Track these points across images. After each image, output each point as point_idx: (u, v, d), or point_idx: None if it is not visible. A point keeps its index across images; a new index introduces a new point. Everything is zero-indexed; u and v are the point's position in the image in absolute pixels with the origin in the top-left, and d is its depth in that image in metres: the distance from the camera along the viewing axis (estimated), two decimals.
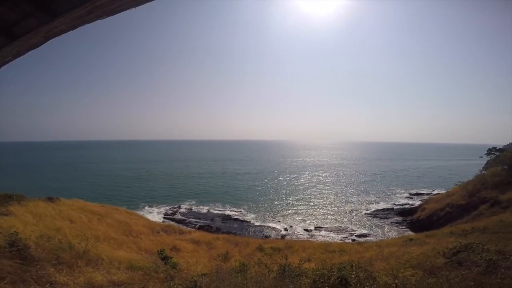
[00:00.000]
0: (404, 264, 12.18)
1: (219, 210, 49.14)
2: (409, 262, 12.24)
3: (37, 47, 4.59)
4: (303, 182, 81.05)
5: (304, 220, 44.91)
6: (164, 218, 43.71)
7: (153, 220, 34.24)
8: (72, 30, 4.23)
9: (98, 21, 4.00)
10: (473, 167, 68.28)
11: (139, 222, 23.46)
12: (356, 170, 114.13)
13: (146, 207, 50.23)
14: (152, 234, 21.14)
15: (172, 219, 43.07)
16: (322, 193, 66.14)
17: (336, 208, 51.97)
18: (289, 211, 49.71)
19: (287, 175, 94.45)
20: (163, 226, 25.70)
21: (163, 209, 49.69)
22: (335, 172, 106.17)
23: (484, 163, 55.04)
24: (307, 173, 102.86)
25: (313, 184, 77.93)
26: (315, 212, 49.27)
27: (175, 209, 49.29)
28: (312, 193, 65.90)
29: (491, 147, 54.22)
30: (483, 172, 46.06)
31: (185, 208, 49.98)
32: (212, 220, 43.85)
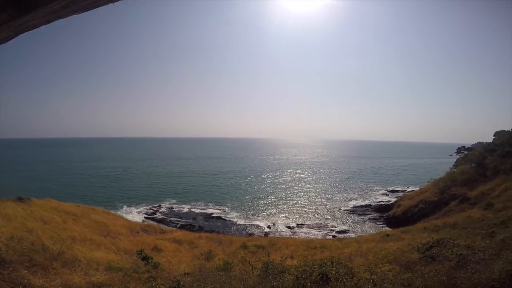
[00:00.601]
0: (382, 259, 12.70)
1: (201, 209, 48.66)
2: (386, 257, 12.78)
3: (7, 41, 4.33)
4: (285, 180, 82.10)
5: (287, 217, 45.62)
6: (144, 218, 42.64)
7: (132, 220, 33.32)
8: (46, 24, 4.06)
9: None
10: (444, 165, 72.22)
11: (117, 222, 22.73)
12: (336, 168, 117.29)
13: (125, 207, 48.72)
14: (131, 235, 20.55)
15: (152, 219, 42.11)
16: (303, 190, 67.41)
17: (317, 205, 53.20)
18: (272, 209, 50.25)
19: (270, 173, 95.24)
20: (142, 226, 25.02)
21: (142, 208, 48.45)
22: (316, 170, 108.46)
23: (454, 161, 58.38)
24: (289, 171, 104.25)
25: (295, 182, 79.20)
26: (297, 210, 50.17)
27: (155, 209, 48.22)
28: (294, 190, 67.00)
29: (460, 146, 57.44)
30: (453, 170, 48.77)
31: (166, 208, 49.04)
32: (194, 219, 43.36)
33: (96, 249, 14.30)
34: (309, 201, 56.98)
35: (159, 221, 41.13)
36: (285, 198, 58.75)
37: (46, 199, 22.52)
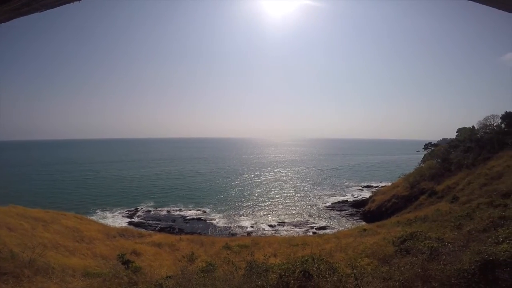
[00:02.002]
0: (361, 254, 13.31)
1: (180, 211, 47.71)
2: (365, 252, 13.42)
3: None
4: (265, 180, 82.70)
5: (269, 216, 46.07)
6: (120, 222, 40.96)
7: (108, 224, 32.19)
8: (6, 22, 3.94)
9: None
10: (414, 161, 76.44)
11: (91, 228, 21.81)
12: (315, 166, 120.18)
13: (98, 212, 46.55)
14: (107, 239, 19.81)
15: (129, 223, 40.66)
16: (284, 189, 68.39)
17: (297, 203, 54.23)
18: (254, 208, 50.46)
19: (251, 173, 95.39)
20: (119, 230, 24.14)
21: (118, 212, 46.57)
22: (295, 168, 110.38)
23: (422, 157, 61.98)
24: (269, 170, 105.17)
25: (276, 181, 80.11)
26: (279, 208, 50.83)
27: (131, 212, 46.54)
28: (275, 189, 67.75)
29: (427, 143, 61.00)
30: (421, 165, 51.70)
31: (143, 211, 47.50)
32: (173, 221, 42.42)
33: (71, 255, 13.76)
34: (290, 199, 57.96)
35: (137, 224, 39.82)
36: (267, 197, 59.26)
37: (11, 205, 21.11)
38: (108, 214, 45.58)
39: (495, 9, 4.71)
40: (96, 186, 70.31)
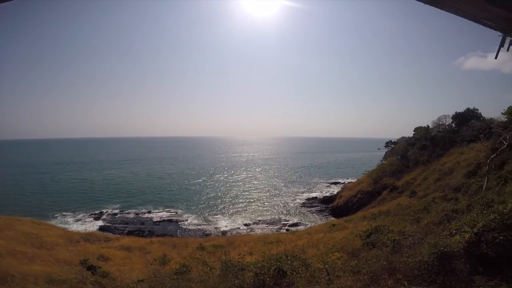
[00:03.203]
0: (331, 248, 14.03)
1: (150, 213, 46.00)
2: (335, 246, 14.17)
3: None
4: (238, 179, 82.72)
5: (243, 215, 46.27)
6: (83, 226, 38.49)
7: (70, 229, 30.10)
8: None
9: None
10: (377, 158, 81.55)
11: (51, 233, 20.34)
12: (286, 164, 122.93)
13: (58, 217, 43.27)
14: (70, 244, 18.61)
15: (94, 227, 38.36)
16: (257, 187, 69.09)
17: (270, 201, 55.13)
18: (228, 208, 50.29)
19: (223, 172, 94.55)
20: (83, 235, 22.80)
21: (80, 216, 43.81)
22: (267, 167, 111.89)
23: (384, 154, 66.41)
24: (242, 169, 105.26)
25: (248, 180, 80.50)
26: (252, 207, 51.25)
27: (95, 216, 43.99)
28: (248, 188, 68.13)
29: (388, 141, 65.43)
30: (383, 162, 55.38)
31: (108, 214, 45.09)
32: (142, 224, 40.81)
33: (31, 262, 12.82)
34: (263, 197, 58.70)
35: (102, 228, 37.76)
36: (240, 196, 59.37)
37: None
38: (70, 219, 42.55)
39: (453, 15, 5.22)
40: (54, 189, 64.64)
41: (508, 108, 25.20)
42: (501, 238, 5.42)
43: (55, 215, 43.77)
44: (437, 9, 5.26)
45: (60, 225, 33.10)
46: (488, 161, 20.40)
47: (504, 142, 21.34)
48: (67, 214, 44.92)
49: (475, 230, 6.07)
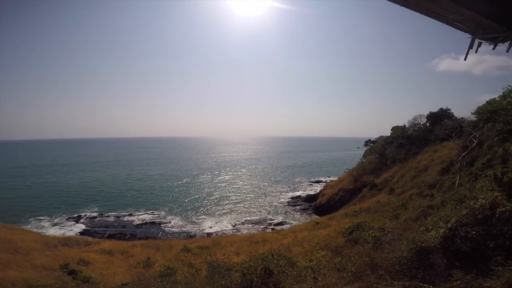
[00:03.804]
0: (315, 246, 14.38)
1: (131, 216, 44.64)
2: (319, 244, 14.54)
3: None
4: (223, 179, 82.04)
5: (228, 215, 46.02)
6: (61, 231, 36.81)
7: (47, 233, 28.74)
8: None
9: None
10: (357, 156, 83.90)
11: (26, 238, 19.46)
12: (269, 164, 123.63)
13: (33, 221, 41.05)
14: (48, 249, 17.86)
15: (72, 231, 36.77)
16: (241, 188, 68.95)
17: (255, 201, 55.25)
18: (213, 209, 49.78)
19: (207, 173, 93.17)
20: (61, 239, 21.98)
21: (57, 220, 41.88)
22: (252, 167, 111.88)
23: (363, 153, 68.42)
24: (227, 169, 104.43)
25: (233, 180, 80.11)
26: (237, 207, 51.08)
27: (73, 220, 42.17)
28: (233, 188, 67.82)
29: (367, 140, 67.34)
30: (363, 160, 57.15)
31: (87, 218, 43.37)
32: (124, 227, 39.58)
33: (6, 268, 12.26)
34: (248, 197, 58.66)
35: (81, 232, 36.35)
36: (225, 197, 58.96)
37: None
38: (46, 223, 40.45)
39: (429, 18, 5.47)
40: (26, 193, 61.13)
41: (478, 108, 26.85)
42: (473, 233, 5.80)
43: (29, 220, 41.49)
44: (414, 12, 5.48)
45: (36, 230, 31.44)
46: (460, 158, 21.69)
47: (474, 140, 22.77)
48: (43, 218, 42.66)
49: (449, 225, 6.45)
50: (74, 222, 41.28)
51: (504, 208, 6.18)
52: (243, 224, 41.45)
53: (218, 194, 61.56)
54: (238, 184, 73.83)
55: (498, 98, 24.12)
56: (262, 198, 57.49)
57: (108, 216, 44.35)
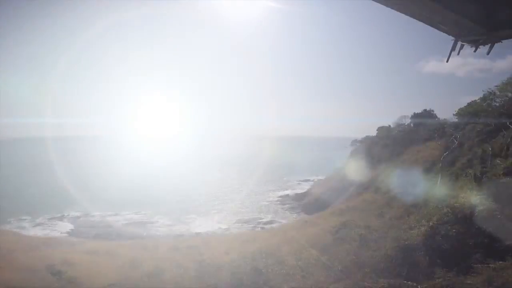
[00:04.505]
0: (304, 245, 14.61)
1: (116, 215, 43.82)
2: (308, 242, 14.77)
3: None
4: (212, 178, 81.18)
5: (218, 214, 45.76)
6: (43, 231, 35.88)
7: (28, 234, 27.83)
8: None
9: None
10: (344, 156, 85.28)
11: (6, 239, 19.02)
12: (259, 163, 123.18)
13: (12, 221, 39.47)
14: (30, 250, 17.44)
15: (56, 231, 35.95)
16: (231, 186, 68.71)
17: (244, 200, 55.07)
18: (202, 208, 49.32)
19: (196, 172, 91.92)
20: (43, 239, 21.51)
21: (40, 220, 40.53)
22: (241, 166, 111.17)
23: (350, 152, 69.50)
24: (216, 168, 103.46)
25: (222, 179, 79.57)
26: (226, 206, 50.81)
27: (56, 220, 41.04)
28: (222, 188, 67.41)
29: (353, 139, 68.66)
30: (350, 159, 58.03)
31: (71, 218, 42.23)
32: (109, 226, 38.76)
33: None
34: (237, 196, 58.40)
35: (66, 233, 35.62)
36: (214, 196, 58.48)
37: None
38: (27, 224, 39.07)
39: (416, 20, 5.61)
40: (4, 193, 58.40)
41: (459, 109, 27.93)
42: (453, 231, 6.07)
43: (8, 220, 39.91)
44: (401, 14, 5.60)
45: (15, 230, 30.36)
46: (442, 158, 22.54)
47: (455, 141, 23.74)
48: (24, 218, 41.21)
49: (430, 223, 6.74)
50: (56, 222, 40.17)
51: (483, 207, 6.49)
52: (232, 223, 41.41)
53: (207, 193, 61.07)
54: (227, 183, 73.52)
55: (478, 100, 25.17)
56: (251, 197, 57.52)
57: (93, 216, 43.32)
